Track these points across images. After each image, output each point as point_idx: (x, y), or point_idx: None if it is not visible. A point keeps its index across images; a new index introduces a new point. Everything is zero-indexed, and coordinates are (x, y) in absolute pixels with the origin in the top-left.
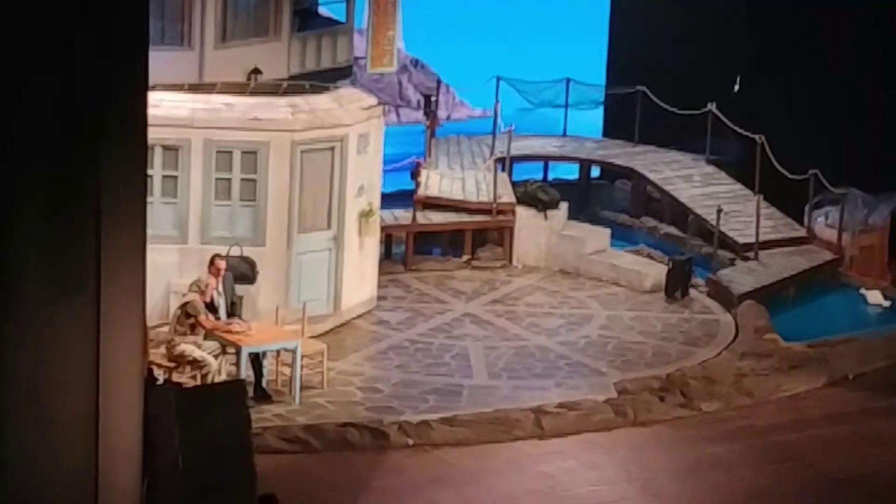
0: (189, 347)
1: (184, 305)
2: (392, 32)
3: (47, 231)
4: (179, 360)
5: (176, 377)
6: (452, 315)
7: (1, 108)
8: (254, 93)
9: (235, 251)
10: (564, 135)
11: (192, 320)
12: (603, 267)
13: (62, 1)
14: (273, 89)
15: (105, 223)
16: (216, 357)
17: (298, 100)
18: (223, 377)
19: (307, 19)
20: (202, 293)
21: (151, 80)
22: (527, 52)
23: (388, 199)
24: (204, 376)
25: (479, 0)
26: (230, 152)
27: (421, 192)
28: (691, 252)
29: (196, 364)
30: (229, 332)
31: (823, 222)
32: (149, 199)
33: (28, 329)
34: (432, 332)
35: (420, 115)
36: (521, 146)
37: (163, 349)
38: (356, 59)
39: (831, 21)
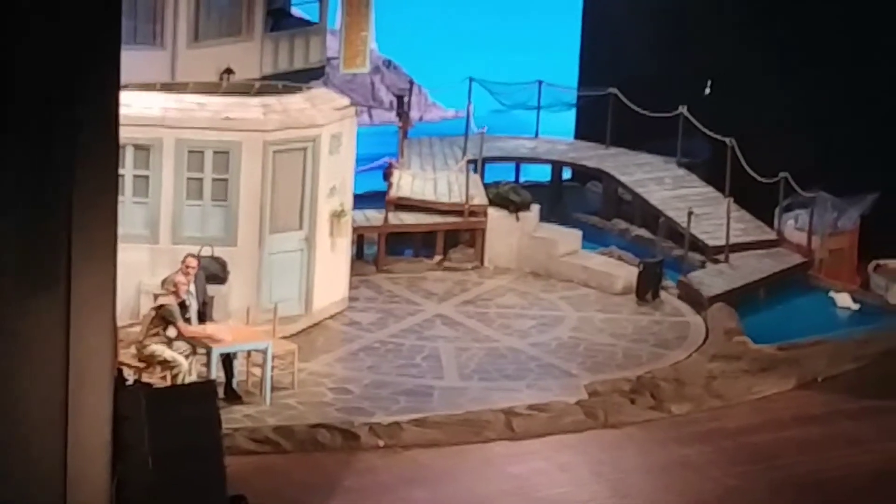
0: (159, 348)
1: (158, 308)
2: (365, 33)
3: (18, 229)
4: (149, 361)
5: (146, 377)
6: (424, 316)
7: None
8: (226, 93)
9: (207, 251)
10: (536, 136)
11: (163, 324)
12: (574, 269)
13: (35, 1)
14: (245, 89)
15: (76, 222)
16: (187, 357)
17: (271, 100)
18: (194, 377)
19: (280, 19)
20: (176, 293)
21: (123, 80)
22: (499, 54)
23: (361, 200)
24: (174, 377)
25: (452, 1)
26: (202, 152)
27: (393, 192)
28: (662, 254)
29: (166, 364)
30: (209, 338)
31: (793, 225)
32: (120, 198)
33: None
34: (403, 333)
35: (392, 115)
36: (493, 147)
37: (133, 349)
38: (329, 59)
39: (801, 24)
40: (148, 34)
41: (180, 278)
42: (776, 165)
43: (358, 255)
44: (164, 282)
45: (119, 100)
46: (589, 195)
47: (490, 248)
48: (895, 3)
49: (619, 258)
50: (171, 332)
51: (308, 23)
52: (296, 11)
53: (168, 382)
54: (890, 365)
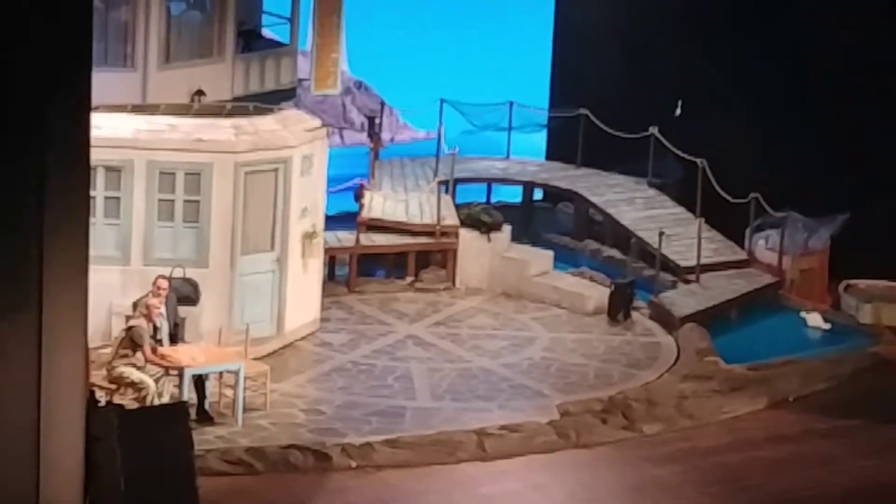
0: (128, 370)
1: (129, 329)
2: (336, 54)
3: None
4: (118, 382)
5: (118, 399)
6: (396, 337)
7: None
8: (197, 114)
9: (178, 272)
10: (508, 157)
11: (132, 346)
12: (546, 289)
13: (4, 20)
14: (217, 111)
15: (47, 243)
16: (157, 380)
17: (242, 121)
18: (166, 399)
19: (251, 40)
20: (148, 316)
21: (94, 101)
22: (470, 75)
23: (332, 221)
24: (143, 398)
25: (423, 23)
26: (173, 173)
27: (364, 213)
28: (633, 275)
29: (135, 386)
30: (169, 362)
31: (764, 245)
32: (91, 220)
33: None
34: (375, 353)
35: (364, 136)
36: (464, 168)
37: (104, 371)
38: (300, 80)
39: (772, 45)
40: (119, 55)
41: (153, 301)
42: (747, 186)
43: (330, 277)
44: (135, 304)
45: (90, 121)
46: (560, 216)
47: (461, 268)
48: (867, 24)
49: (591, 279)
50: (138, 354)
51: (279, 44)
52: (267, 33)
53: (136, 404)
54: (861, 384)
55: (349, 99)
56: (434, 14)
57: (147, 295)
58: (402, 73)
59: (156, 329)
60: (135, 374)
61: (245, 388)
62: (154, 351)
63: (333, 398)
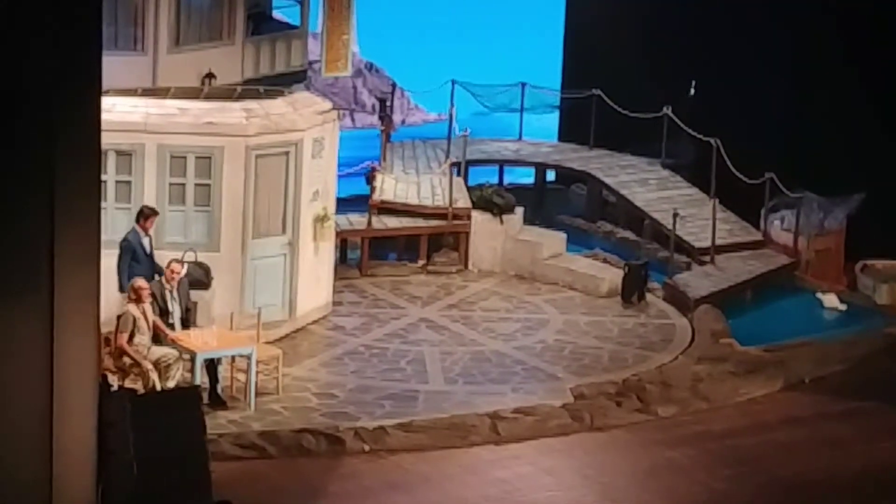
0: (138, 355)
1: (119, 317)
2: (346, 36)
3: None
4: (123, 367)
5: (129, 383)
6: (408, 320)
7: None
8: (208, 97)
9: (190, 257)
10: (520, 139)
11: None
12: (559, 271)
13: (15, 5)
14: (227, 94)
15: (59, 228)
16: (169, 365)
17: (253, 104)
18: (174, 383)
19: (261, 23)
20: (138, 300)
21: (105, 85)
22: (482, 56)
23: (343, 204)
24: (146, 384)
25: (434, 4)
26: (184, 157)
27: (376, 196)
28: (647, 256)
29: (139, 370)
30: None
31: (779, 226)
32: (103, 204)
33: None
34: (388, 337)
35: (375, 119)
36: (476, 150)
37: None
38: (310, 63)
39: (787, 25)
40: (129, 39)
41: (141, 283)
42: (762, 166)
43: (341, 260)
44: (128, 290)
45: (100, 105)
46: (573, 197)
47: (474, 251)
48: (886, 4)
49: (604, 260)
50: (137, 339)
51: (289, 26)
52: (277, 15)
53: (142, 389)
54: (877, 366)
55: (360, 81)
56: None
57: (137, 279)
58: (414, 55)
59: (167, 313)
60: (144, 363)
61: (257, 373)
62: (130, 342)
63: (346, 382)
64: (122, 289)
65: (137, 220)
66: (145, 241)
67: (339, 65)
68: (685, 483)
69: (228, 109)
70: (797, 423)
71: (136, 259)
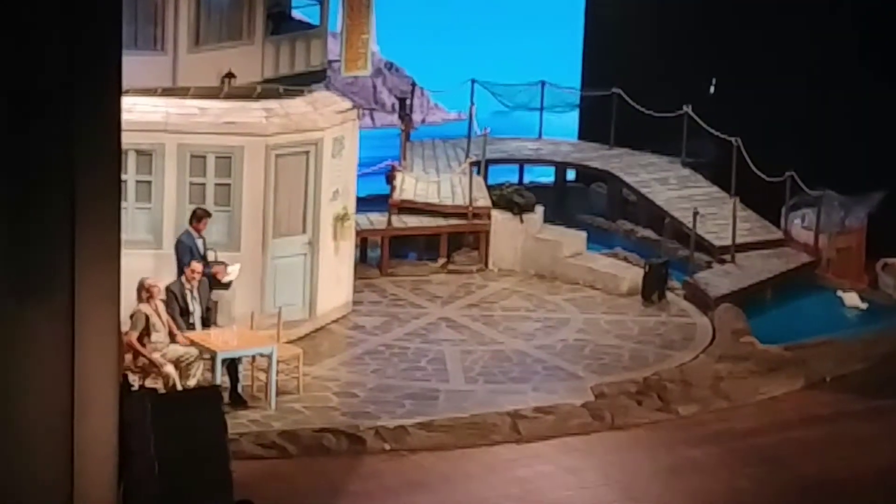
0: (145, 350)
1: (131, 315)
2: (366, 35)
3: (21, 236)
4: (144, 368)
5: (150, 383)
6: (428, 319)
7: None
8: (228, 97)
9: (210, 256)
10: (540, 138)
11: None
12: (579, 270)
13: (36, 5)
14: (247, 93)
15: (79, 228)
16: (190, 364)
17: (272, 104)
18: (194, 383)
19: (281, 22)
20: (150, 299)
21: (125, 85)
22: (501, 55)
23: (364, 203)
24: (166, 384)
25: (454, 2)
26: (204, 157)
27: (396, 195)
28: (668, 255)
29: (159, 371)
30: (150, 358)
31: (800, 224)
32: (123, 204)
33: (0, 334)
34: (408, 336)
35: (395, 118)
36: (496, 149)
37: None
38: (330, 62)
39: (807, 23)
40: (149, 39)
41: (150, 282)
42: (782, 164)
43: (361, 259)
44: (138, 290)
45: (120, 105)
46: (593, 196)
47: (494, 250)
48: None
49: (625, 259)
50: (154, 337)
51: (309, 26)
52: (296, 14)
53: (163, 389)
54: None
55: (380, 80)
56: None
57: (147, 278)
58: (433, 54)
59: (188, 313)
60: (156, 359)
61: (278, 372)
62: (141, 340)
63: (366, 381)
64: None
65: (190, 222)
66: (199, 243)
67: (359, 64)
68: (707, 482)
69: (248, 109)
70: (818, 422)
71: (192, 260)
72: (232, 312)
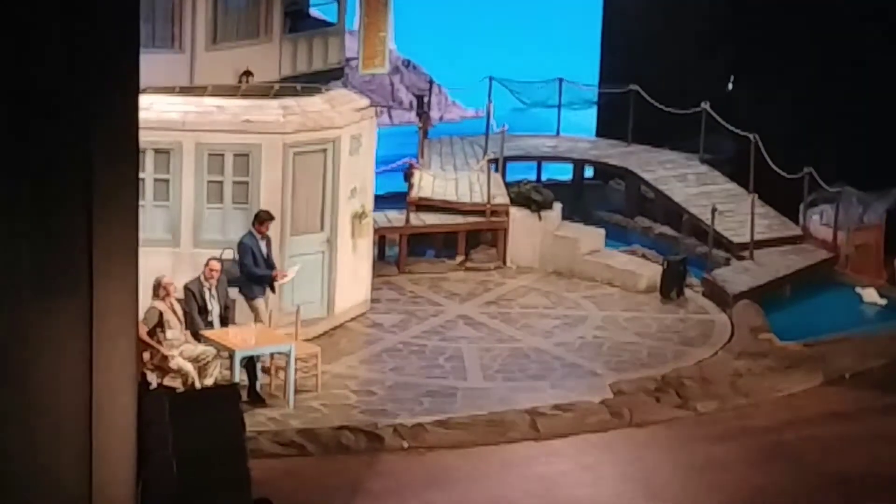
0: (174, 359)
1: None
2: (383, 33)
3: (38, 235)
4: (161, 367)
5: (168, 381)
6: (446, 317)
7: None
8: (245, 95)
9: (228, 254)
10: (558, 135)
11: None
12: (597, 267)
13: (53, 3)
14: (264, 91)
15: (97, 226)
16: (208, 363)
17: (290, 102)
18: (211, 381)
19: (298, 21)
20: (167, 297)
21: (142, 83)
22: (519, 52)
23: (381, 201)
24: (184, 383)
25: (471, 0)
26: (222, 155)
27: (414, 193)
28: (686, 252)
29: (176, 371)
30: (161, 351)
31: (818, 221)
32: (141, 202)
33: (19, 333)
34: (426, 334)
35: (412, 116)
36: (514, 146)
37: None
38: (348, 60)
39: (825, 19)
40: (166, 37)
41: (167, 280)
42: (800, 161)
43: (379, 257)
44: (154, 288)
45: (138, 103)
46: (611, 193)
47: (512, 247)
48: None
49: (643, 256)
50: (170, 334)
51: (326, 24)
52: (314, 12)
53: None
54: None
55: (397, 78)
56: None
57: (162, 276)
58: (451, 51)
59: (206, 311)
60: (174, 362)
61: (296, 370)
62: (152, 335)
63: (385, 379)
64: (244, 291)
65: (253, 224)
66: (262, 244)
67: (377, 62)
68: (726, 478)
69: (266, 107)
70: (838, 418)
71: (254, 261)
72: (250, 311)
